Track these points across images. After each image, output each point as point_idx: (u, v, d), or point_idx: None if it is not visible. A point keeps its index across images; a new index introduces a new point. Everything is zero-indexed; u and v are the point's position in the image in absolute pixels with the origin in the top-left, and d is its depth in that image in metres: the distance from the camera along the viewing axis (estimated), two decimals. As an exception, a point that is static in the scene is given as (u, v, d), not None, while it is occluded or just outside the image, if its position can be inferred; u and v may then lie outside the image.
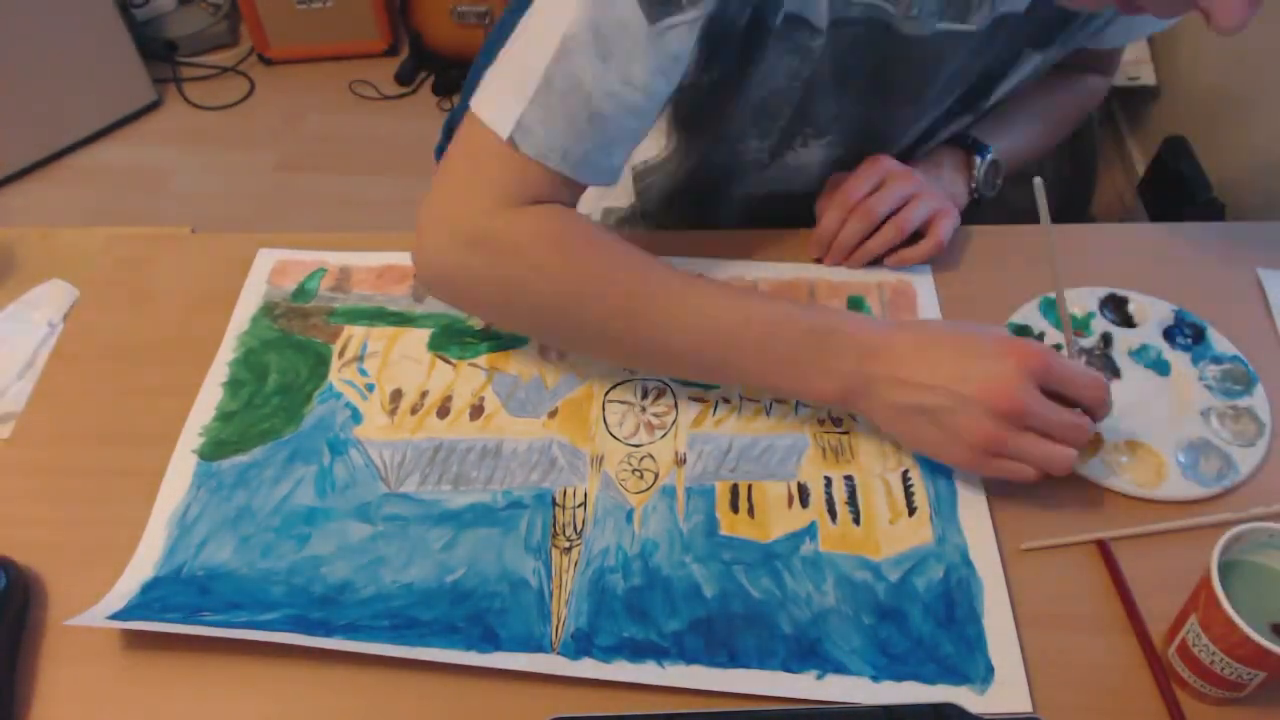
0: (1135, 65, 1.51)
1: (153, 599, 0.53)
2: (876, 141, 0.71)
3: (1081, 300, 0.67)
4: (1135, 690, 0.50)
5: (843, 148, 0.70)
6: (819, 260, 0.70)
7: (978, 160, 0.73)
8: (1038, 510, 0.56)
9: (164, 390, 0.63)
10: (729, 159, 0.71)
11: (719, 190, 0.76)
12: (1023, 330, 0.65)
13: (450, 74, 2.05)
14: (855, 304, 0.67)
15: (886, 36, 0.60)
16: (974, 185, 0.73)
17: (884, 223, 0.67)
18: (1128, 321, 0.66)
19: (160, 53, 2.09)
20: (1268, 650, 0.44)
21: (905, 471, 0.58)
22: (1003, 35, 0.64)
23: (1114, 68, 0.83)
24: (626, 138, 0.56)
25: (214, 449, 0.60)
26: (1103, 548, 0.55)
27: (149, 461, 0.59)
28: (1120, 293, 0.67)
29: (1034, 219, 0.70)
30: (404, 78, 2.08)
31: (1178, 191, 1.34)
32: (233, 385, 0.63)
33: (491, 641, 0.51)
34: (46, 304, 0.73)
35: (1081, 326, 0.66)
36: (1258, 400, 0.61)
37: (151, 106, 2.03)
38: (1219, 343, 0.64)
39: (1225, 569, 0.46)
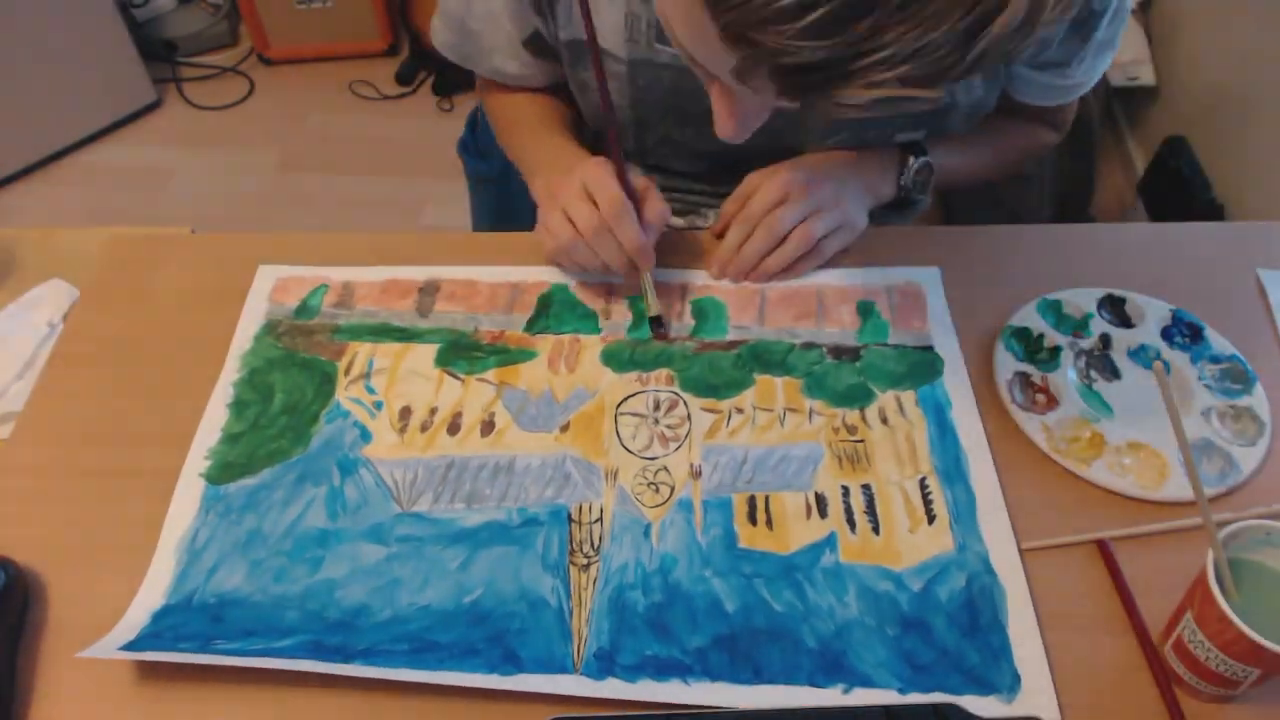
0: (1135, 65, 1.50)
1: (165, 628, 0.50)
2: (731, 170, 0.70)
3: (1079, 301, 0.65)
4: (1135, 690, 0.49)
5: (701, 162, 0.73)
6: (718, 278, 0.67)
7: (911, 160, 0.70)
8: (1038, 510, 0.55)
9: (164, 390, 0.62)
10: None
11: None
12: (1022, 332, 0.64)
13: (450, 74, 2.03)
14: (864, 309, 0.65)
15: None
16: (903, 183, 0.70)
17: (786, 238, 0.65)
18: (1125, 322, 0.64)
19: (160, 53, 2.06)
20: (1262, 647, 0.42)
21: (923, 479, 0.56)
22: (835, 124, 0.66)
23: (1063, 125, 0.78)
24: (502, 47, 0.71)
25: (221, 472, 0.57)
26: (1103, 548, 0.54)
27: (149, 461, 0.58)
28: (1118, 293, 0.66)
29: (1034, 220, 0.70)
30: (404, 78, 2.06)
31: (1178, 191, 1.34)
32: (238, 406, 0.60)
33: (513, 663, 0.49)
34: (46, 304, 0.72)
35: (1080, 327, 0.64)
36: (1257, 400, 0.60)
37: (151, 106, 2.00)
38: (1217, 342, 0.63)
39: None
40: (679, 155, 0.75)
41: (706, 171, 0.76)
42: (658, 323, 0.64)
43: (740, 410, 0.60)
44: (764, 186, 0.66)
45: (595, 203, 0.60)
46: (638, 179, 0.63)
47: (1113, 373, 0.63)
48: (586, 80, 0.71)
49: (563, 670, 0.49)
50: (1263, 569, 0.47)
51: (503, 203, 0.96)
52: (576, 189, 0.61)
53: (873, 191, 0.70)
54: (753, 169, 0.70)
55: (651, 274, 0.63)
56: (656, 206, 0.62)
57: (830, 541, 0.54)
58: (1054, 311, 0.65)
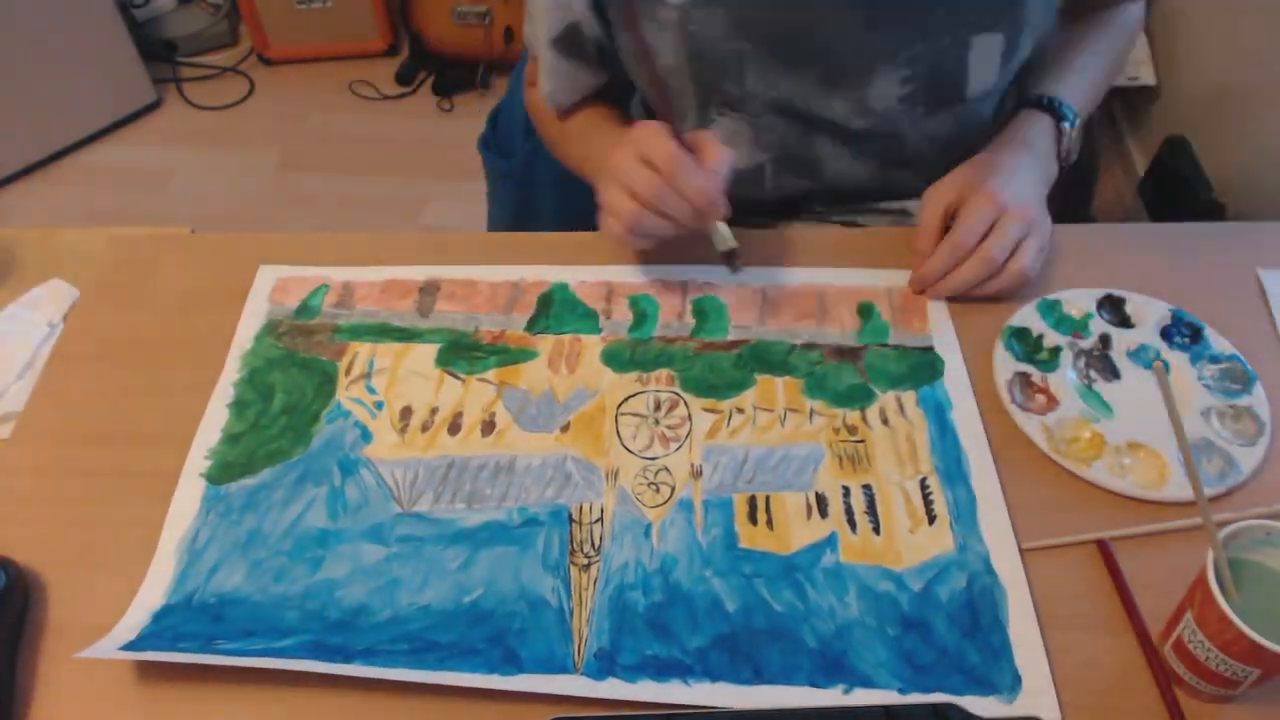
0: (1135, 65, 1.50)
1: (165, 628, 0.50)
2: (804, 118, 0.69)
3: (1079, 301, 0.65)
4: (1135, 690, 0.49)
5: (770, 127, 0.70)
6: (920, 292, 0.65)
7: (1066, 128, 0.67)
8: (1038, 510, 0.55)
9: (164, 390, 0.61)
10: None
11: None
12: (1022, 332, 0.64)
13: (450, 74, 2.02)
14: (865, 310, 0.65)
15: (760, 7, 0.62)
16: (1064, 156, 0.68)
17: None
18: (1125, 322, 0.64)
19: (160, 53, 2.06)
20: (1262, 647, 0.42)
21: (924, 479, 0.56)
22: (900, 15, 0.62)
23: None
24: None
25: (221, 472, 0.57)
26: (1103, 548, 0.53)
27: (149, 461, 0.58)
28: (1117, 293, 0.65)
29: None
30: (404, 78, 2.06)
31: (1178, 191, 1.34)
32: (238, 406, 0.60)
33: (513, 663, 0.49)
34: (46, 304, 0.72)
35: (1079, 328, 0.64)
36: (1257, 399, 0.59)
37: (151, 106, 1.99)
38: (1217, 342, 0.63)
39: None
40: (741, 123, 0.70)
41: (770, 158, 0.73)
42: (732, 256, 0.62)
43: (741, 410, 0.60)
44: (973, 210, 0.62)
45: (653, 165, 0.58)
46: (695, 133, 0.60)
47: (1112, 373, 0.63)
48: (647, 43, 0.67)
49: (563, 670, 0.49)
50: (1263, 569, 0.47)
51: (523, 201, 0.96)
52: (631, 156, 0.60)
53: (1048, 180, 0.67)
54: (816, 130, 0.69)
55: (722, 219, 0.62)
56: (716, 151, 0.60)
57: (831, 541, 0.54)
58: (1054, 311, 0.65)
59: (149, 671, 0.50)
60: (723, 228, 0.62)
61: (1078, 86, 0.70)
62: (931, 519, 0.55)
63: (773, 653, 0.49)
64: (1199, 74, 1.39)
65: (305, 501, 0.56)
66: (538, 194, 0.95)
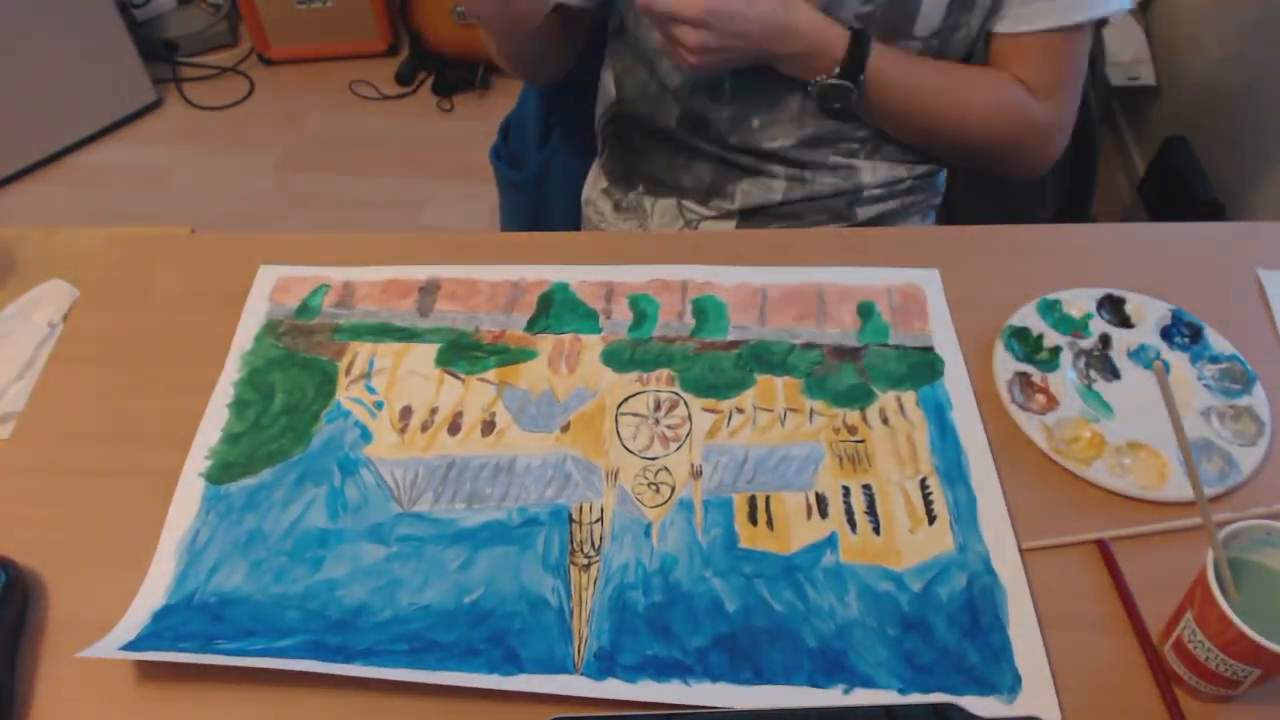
0: (1135, 65, 1.50)
1: (165, 628, 0.50)
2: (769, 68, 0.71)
3: (1079, 301, 0.65)
4: (1135, 690, 0.49)
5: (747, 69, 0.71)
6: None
7: (821, 78, 0.69)
8: (1038, 510, 0.55)
9: (164, 390, 0.61)
10: (657, 83, 0.76)
11: (656, 124, 0.79)
12: (1022, 332, 0.64)
13: (450, 74, 2.03)
14: (865, 310, 0.65)
15: None
16: (837, 70, 0.69)
17: None
18: (1125, 322, 0.64)
19: (160, 53, 2.06)
20: (1262, 647, 0.42)
21: (923, 479, 0.56)
22: None
23: (1048, 89, 0.73)
24: None
25: (221, 472, 0.57)
26: (1103, 548, 0.54)
27: (149, 461, 0.58)
28: (1117, 293, 0.65)
29: (1034, 220, 0.69)
30: (404, 78, 2.06)
31: (1178, 191, 1.34)
32: (238, 406, 0.60)
33: (513, 663, 0.49)
34: (46, 304, 0.72)
35: (1079, 328, 0.64)
36: (1257, 399, 0.60)
37: (151, 106, 1.99)
38: (1217, 342, 0.63)
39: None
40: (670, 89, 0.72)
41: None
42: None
43: (741, 410, 0.60)
44: None
45: None
46: None
47: (1112, 373, 0.63)
48: None
49: (563, 670, 0.49)
50: (1263, 569, 0.47)
51: (536, 211, 0.96)
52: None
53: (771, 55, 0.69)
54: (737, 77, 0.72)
55: None
56: None
57: (831, 541, 0.54)
58: (1054, 311, 0.65)
59: (149, 671, 0.50)
60: None
61: (900, 65, 0.71)
62: (931, 519, 0.55)
63: (773, 653, 0.50)
64: (1199, 74, 1.39)
65: (305, 501, 0.56)
66: (550, 204, 0.95)
